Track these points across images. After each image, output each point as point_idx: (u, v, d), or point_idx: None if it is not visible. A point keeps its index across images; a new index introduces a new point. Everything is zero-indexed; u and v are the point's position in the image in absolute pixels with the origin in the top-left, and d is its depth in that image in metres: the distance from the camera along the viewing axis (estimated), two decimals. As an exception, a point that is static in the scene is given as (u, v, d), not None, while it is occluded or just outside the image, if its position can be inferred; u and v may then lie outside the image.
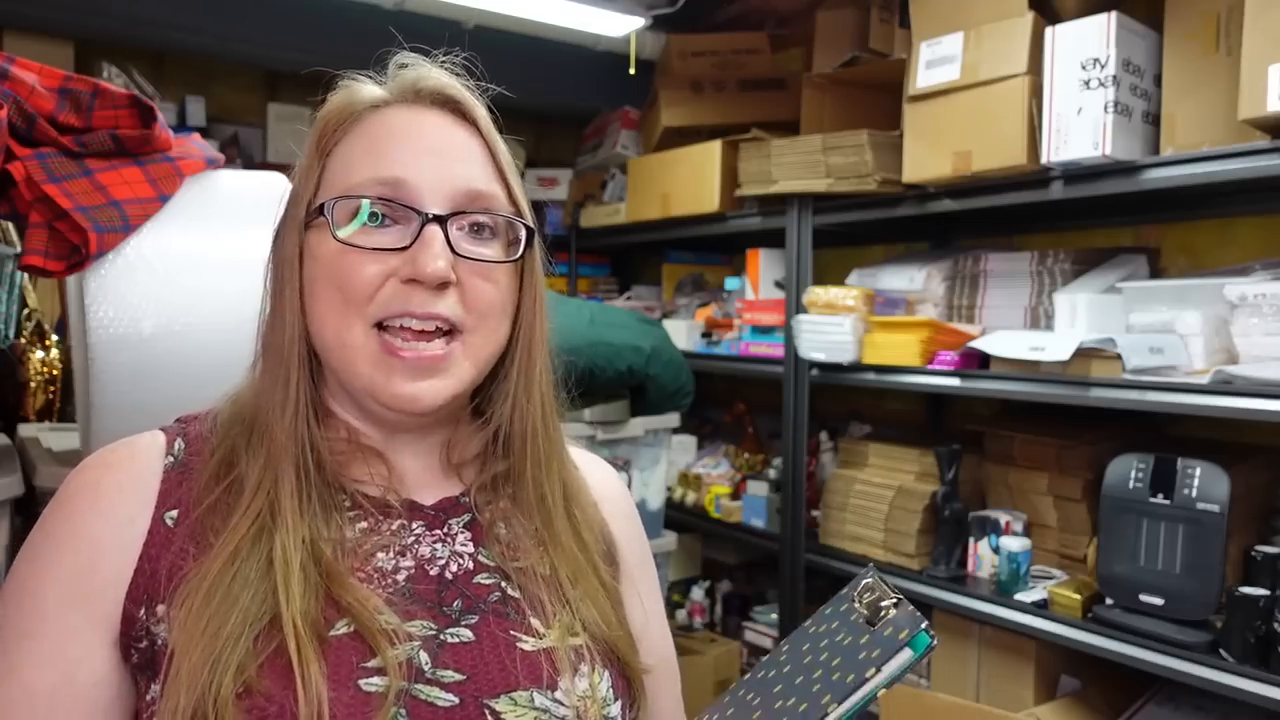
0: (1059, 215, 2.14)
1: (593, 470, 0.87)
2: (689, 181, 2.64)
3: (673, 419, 2.17)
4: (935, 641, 0.62)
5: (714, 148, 2.54)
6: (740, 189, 2.44)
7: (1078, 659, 1.85)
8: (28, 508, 1.29)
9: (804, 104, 2.44)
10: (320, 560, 0.66)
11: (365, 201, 0.68)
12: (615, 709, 0.70)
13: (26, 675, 0.63)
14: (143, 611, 0.65)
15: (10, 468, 1.20)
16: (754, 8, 2.99)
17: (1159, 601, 1.62)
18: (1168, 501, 1.62)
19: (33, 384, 1.68)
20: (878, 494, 2.16)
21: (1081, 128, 1.68)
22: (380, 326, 0.68)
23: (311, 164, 0.73)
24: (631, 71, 2.93)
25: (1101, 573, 1.72)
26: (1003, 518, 1.97)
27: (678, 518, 2.73)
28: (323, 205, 0.69)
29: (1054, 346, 1.70)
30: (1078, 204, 1.88)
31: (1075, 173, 1.74)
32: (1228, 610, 1.54)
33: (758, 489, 2.56)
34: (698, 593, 2.84)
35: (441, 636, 0.66)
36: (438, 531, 0.73)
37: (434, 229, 0.68)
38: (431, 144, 0.71)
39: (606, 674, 0.71)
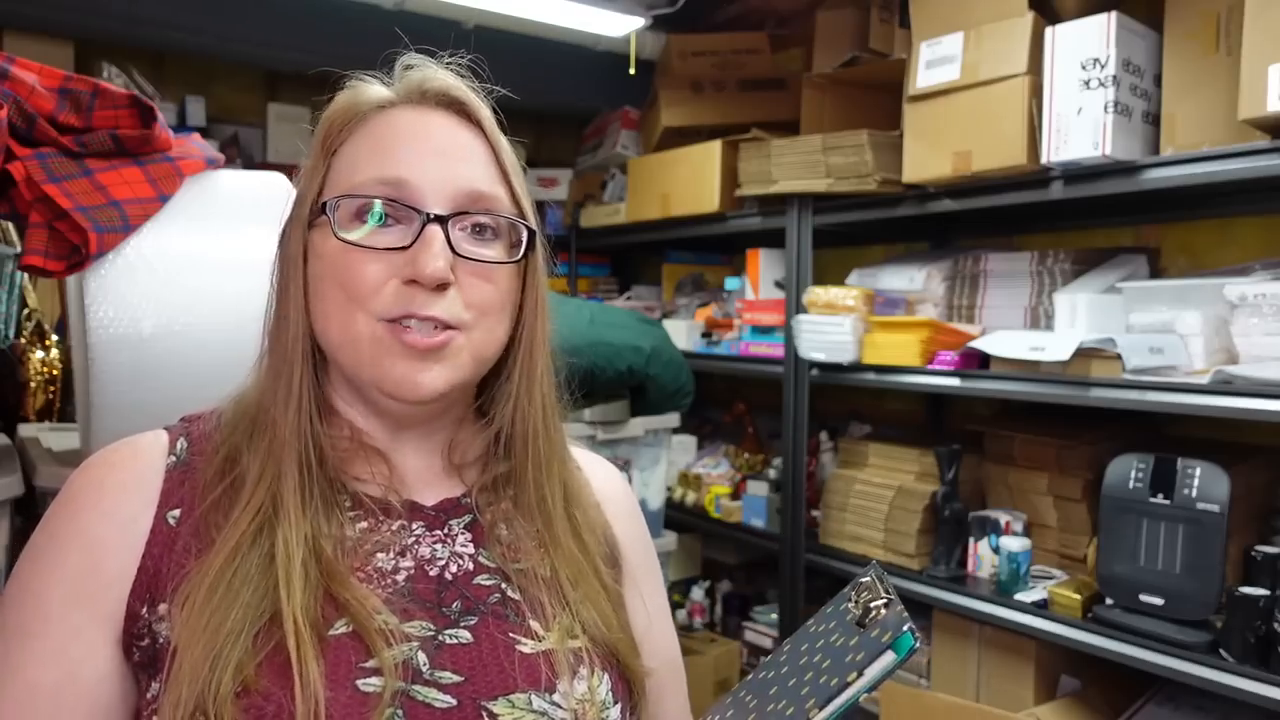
0: (1059, 215, 2.14)
1: (596, 471, 0.87)
2: (689, 181, 2.64)
3: (673, 419, 2.17)
4: (918, 644, 0.61)
5: (714, 148, 2.54)
6: (740, 189, 2.44)
7: (1078, 659, 1.85)
8: (28, 508, 1.29)
9: (804, 104, 2.44)
10: (321, 557, 0.66)
11: (377, 202, 0.69)
12: (614, 712, 0.70)
13: (31, 674, 0.63)
14: (145, 610, 0.65)
15: (10, 468, 1.20)
16: (754, 8, 2.99)
17: (1159, 601, 1.62)
18: (1168, 501, 1.62)
19: (33, 384, 1.68)
20: (878, 494, 2.16)
21: (1081, 128, 1.68)
22: (384, 321, 0.69)
23: (317, 163, 0.73)
24: (631, 71, 2.93)
25: (1101, 573, 1.72)
26: (1003, 518, 1.97)
27: (678, 518, 2.73)
28: (325, 204, 0.70)
29: (1054, 346, 1.70)
30: (1078, 204, 1.88)
31: (1075, 173, 1.74)
32: (1228, 610, 1.54)
33: (758, 489, 2.56)
34: (698, 593, 2.84)
35: (440, 638, 0.66)
36: (438, 532, 0.73)
37: (434, 229, 0.68)
38: (435, 145, 0.71)
39: (606, 677, 0.71)
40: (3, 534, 1.18)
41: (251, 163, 2.83)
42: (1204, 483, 1.58)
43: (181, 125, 2.67)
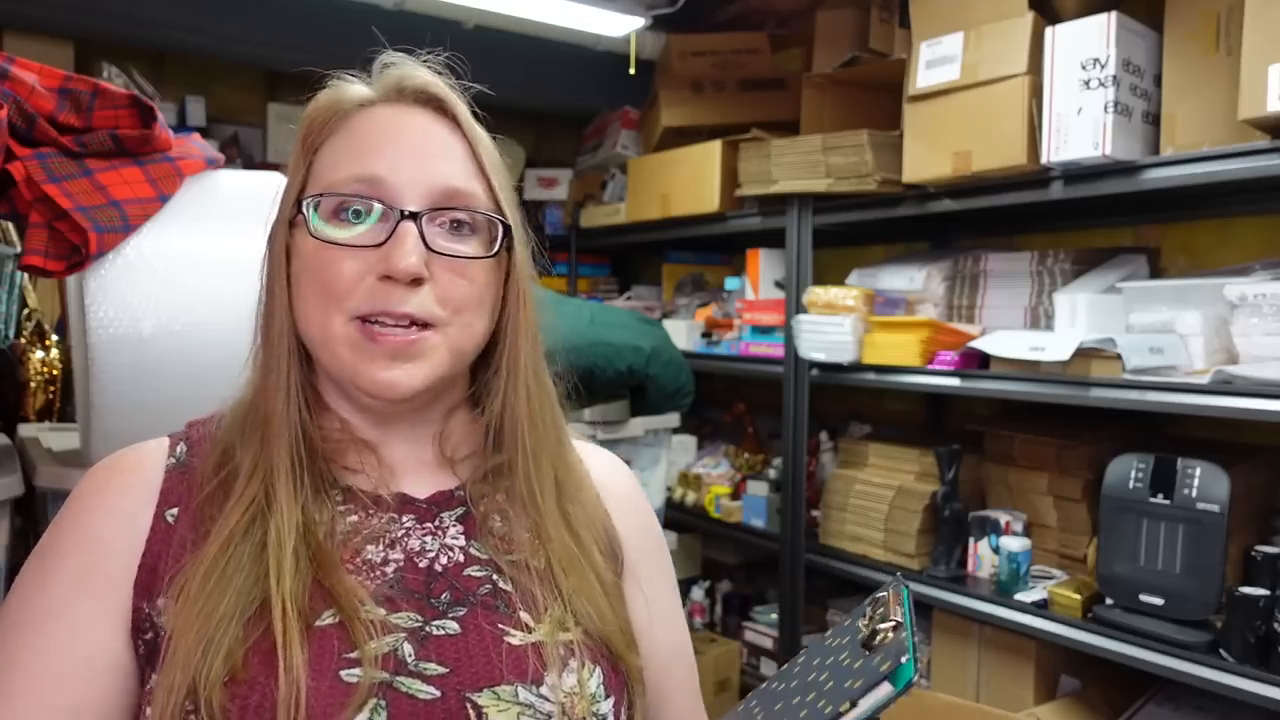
0: (1059, 215, 2.14)
1: (598, 463, 0.87)
2: (689, 181, 2.64)
3: (673, 419, 2.17)
4: (916, 677, 0.56)
5: (714, 148, 2.54)
6: (740, 189, 2.44)
7: (1078, 659, 1.85)
8: (28, 508, 1.29)
9: (804, 104, 2.44)
10: (312, 547, 0.67)
11: (338, 196, 0.70)
12: (606, 706, 0.70)
13: (40, 662, 0.64)
14: (146, 605, 0.66)
15: (10, 468, 1.20)
16: (754, 8, 2.99)
17: (1159, 601, 1.62)
18: (1168, 501, 1.62)
19: (33, 384, 1.68)
20: (878, 494, 2.16)
21: (1081, 128, 1.68)
22: (359, 319, 0.69)
23: (298, 162, 0.75)
24: (631, 71, 2.93)
25: (1101, 573, 1.72)
26: (1003, 518, 1.97)
27: (678, 518, 2.73)
28: (301, 202, 0.71)
29: (1054, 346, 1.70)
30: (1078, 204, 1.88)
31: (1075, 173, 1.74)
32: (1228, 610, 1.54)
33: (758, 489, 2.56)
34: (698, 593, 2.84)
35: (427, 629, 0.67)
36: (429, 525, 0.74)
37: (408, 225, 0.69)
38: (412, 142, 0.72)
39: (598, 670, 0.70)
40: (3, 534, 1.18)
41: (251, 163, 2.83)
42: (1204, 483, 1.58)
43: (181, 125, 2.67)
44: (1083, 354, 1.68)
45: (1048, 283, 2.00)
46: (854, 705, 0.55)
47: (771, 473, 2.62)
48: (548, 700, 0.66)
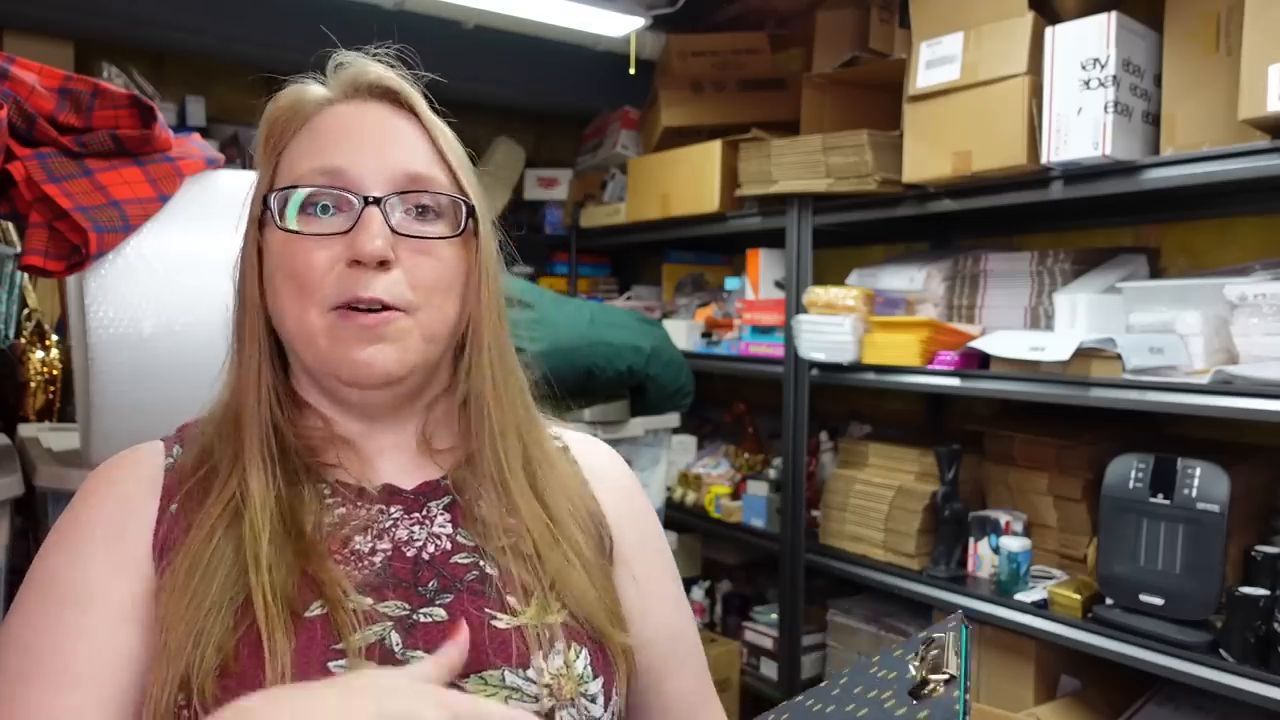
0: (1059, 215, 2.14)
1: (586, 449, 0.88)
2: (689, 181, 2.64)
3: (673, 419, 2.17)
4: None
5: (714, 148, 2.54)
6: (740, 189, 2.44)
7: (1078, 659, 1.85)
8: (28, 508, 1.29)
9: (804, 104, 2.44)
10: (294, 539, 0.68)
11: (302, 189, 0.71)
12: (595, 686, 0.70)
13: (98, 636, 0.65)
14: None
15: (10, 468, 1.20)
16: (754, 8, 2.99)
17: (1159, 601, 1.62)
18: (1168, 501, 1.62)
19: (33, 384, 1.68)
20: (878, 494, 2.16)
21: (1081, 128, 1.68)
22: (334, 310, 0.70)
23: (264, 164, 0.77)
24: (631, 71, 2.93)
25: (1101, 573, 1.72)
26: (1003, 518, 1.97)
27: (678, 518, 2.73)
28: (266, 199, 0.73)
29: (1054, 346, 1.70)
30: (1078, 204, 1.88)
31: (1075, 173, 1.74)
32: (1228, 610, 1.54)
33: (758, 489, 2.56)
34: (698, 593, 2.84)
35: (414, 617, 0.67)
36: (416, 515, 0.74)
37: (372, 210, 0.70)
38: (370, 134, 0.74)
39: (584, 651, 0.71)
40: (3, 534, 1.18)
41: (251, 163, 2.83)
42: (1204, 483, 1.58)
43: (181, 125, 2.67)
44: (1083, 354, 1.68)
45: (1048, 283, 2.00)
46: None
47: (771, 473, 2.62)
48: (534, 683, 0.67)
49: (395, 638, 0.66)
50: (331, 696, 0.55)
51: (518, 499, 0.75)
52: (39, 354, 1.69)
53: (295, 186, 0.72)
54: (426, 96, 0.78)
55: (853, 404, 2.72)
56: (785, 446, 2.34)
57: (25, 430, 1.53)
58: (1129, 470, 1.68)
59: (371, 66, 0.77)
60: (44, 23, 2.36)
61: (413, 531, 0.73)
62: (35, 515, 1.30)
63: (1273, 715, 1.47)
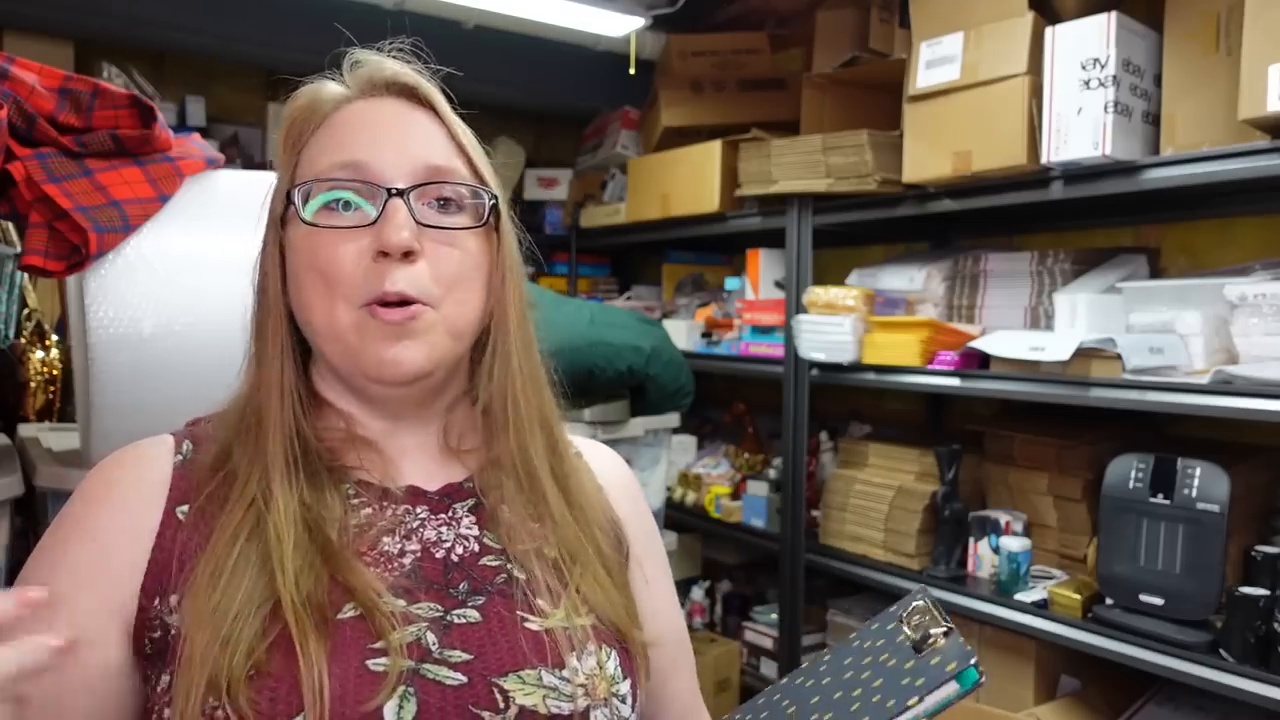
0: (1059, 215, 2.14)
1: (595, 455, 0.88)
2: (689, 181, 2.64)
3: (673, 419, 2.17)
4: (984, 679, 0.60)
5: (714, 148, 2.54)
6: (740, 189, 2.44)
7: (1078, 659, 1.85)
8: (28, 508, 1.29)
9: (804, 104, 2.44)
10: (320, 542, 0.67)
11: (324, 182, 0.71)
12: (624, 686, 0.71)
13: None
14: (157, 601, 0.66)
15: (10, 468, 1.20)
16: (754, 8, 2.99)
17: (1159, 601, 1.62)
18: (1168, 501, 1.62)
19: (33, 384, 1.68)
20: (878, 494, 2.16)
21: (1081, 128, 1.68)
22: (362, 307, 0.70)
23: (284, 163, 0.76)
24: (631, 71, 2.93)
25: (1101, 573, 1.72)
26: (1003, 518, 1.97)
27: (678, 518, 2.73)
28: (290, 194, 0.72)
29: (1054, 346, 1.70)
30: (1078, 204, 1.87)
31: (1075, 173, 1.74)
32: (1228, 610, 1.54)
33: (758, 489, 2.56)
34: (698, 593, 2.84)
35: (449, 618, 0.68)
36: (442, 516, 0.74)
37: (397, 202, 0.70)
38: (390, 128, 0.74)
39: (614, 653, 0.72)
40: (3, 534, 1.18)
41: (251, 163, 2.83)
42: (1204, 483, 1.58)
43: (181, 125, 2.67)
44: (1083, 354, 1.68)
45: (1048, 283, 2.00)
46: (921, 700, 0.58)
47: (771, 473, 2.62)
48: (569, 682, 0.68)
49: (431, 638, 0.66)
50: None
51: (548, 500, 0.76)
52: (39, 354, 1.69)
53: (318, 179, 0.72)
54: (444, 91, 0.78)
55: (853, 404, 2.72)
56: (785, 446, 2.34)
57: (25, 430, 1.53)
58: (1129, 470, 1.68)
59: (387, 63, 0.77)
60: (44, 23, 2.36)
61: (441, 532, 0.73)
62: (35, 515, 1.30)
63: (1273, 715, 1.47)
